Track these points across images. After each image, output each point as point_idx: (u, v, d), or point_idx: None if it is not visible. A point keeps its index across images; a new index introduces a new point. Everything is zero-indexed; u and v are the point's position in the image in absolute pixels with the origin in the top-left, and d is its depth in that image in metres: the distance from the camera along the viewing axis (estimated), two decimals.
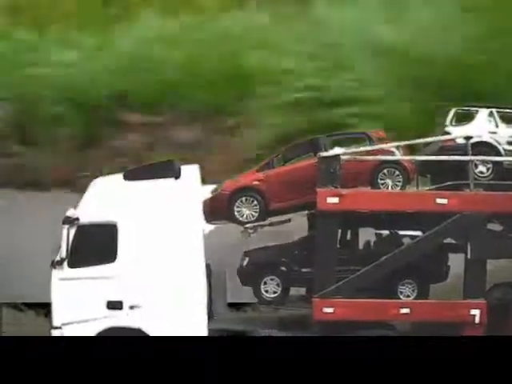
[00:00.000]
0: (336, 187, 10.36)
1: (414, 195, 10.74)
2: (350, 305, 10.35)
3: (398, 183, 11.01)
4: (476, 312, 10.48)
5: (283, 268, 10.97)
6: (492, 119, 11.79)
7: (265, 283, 10.97)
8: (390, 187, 10.95)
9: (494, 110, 11.87)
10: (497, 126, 11.72)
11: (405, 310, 10.41)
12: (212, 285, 11.72)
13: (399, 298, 10.95)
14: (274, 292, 10.97)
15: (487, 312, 10.52)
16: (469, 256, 10.54)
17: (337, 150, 10.52)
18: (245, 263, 11.11)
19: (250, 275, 11.03)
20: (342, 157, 10.51)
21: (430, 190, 11.10)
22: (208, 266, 11.76)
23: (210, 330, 10.54)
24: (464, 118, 11.85)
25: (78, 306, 10.25)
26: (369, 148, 10.94)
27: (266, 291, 10.97)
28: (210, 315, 11.32)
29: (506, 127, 11.74)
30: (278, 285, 10.98)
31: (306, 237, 11.19)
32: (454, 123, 11.76)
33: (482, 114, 11.84)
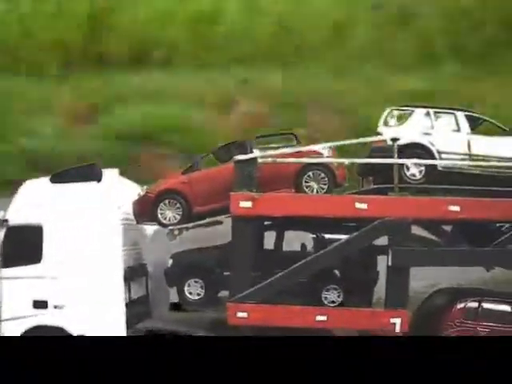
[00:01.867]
0: (252, 191, 10.26)
1: (331, 200, 10.40)
2: (264, 310, 10.22)
3: (323, 186, 10.79)
4: (397, 321, 10.19)
5: (207, 271, 11.03)
6: (428, 120, 11.35)
7: (189, 285, 11.07)
8: (315, 190, 10.79)
9: (430, 111, 11.41)
10: (432, 126, 11.28)
11: (321, 318, 10.21)
12: (150, 285, 12.08)
13: (323, 304, 10.86)
14: (198, 294, 11.06)
15: (409, 321, 10.26)
16: (389, 263, 10.24)
17: (254, 153, 10.42)
18: (169, 265, 11.23)
19: (175, 277, 11.14)
20: (261, 160, 10.41)
21: (352, 194, 10.78)
22: (144, 267, 12.07)
23: (145, 330, 10.85)
24: (400, 119, 11.45)
25: (9, 304, 10.73)
26: (290, 150, 10.73)
27: (190, 293, 11.07)
28: (149, 314, 11.67)
29: (443, 128, 11.32)
30: (202, 287, 11.05)
31: (230, 241, 11.16)
32: (388, 123, 11.37)
33: (418, 114, 11.39)
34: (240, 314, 10.21)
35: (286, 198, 10.37)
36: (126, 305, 10.91)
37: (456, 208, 10.31)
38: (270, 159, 10.39)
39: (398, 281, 10.22)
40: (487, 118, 11.74)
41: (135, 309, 11.32)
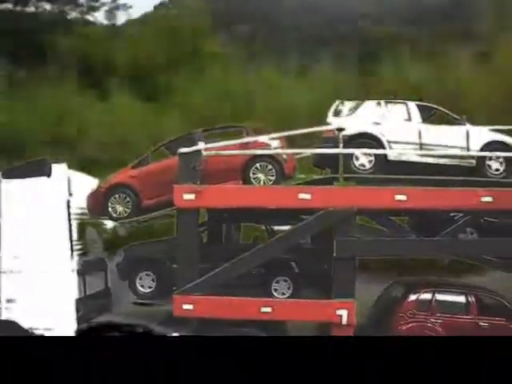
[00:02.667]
0: (196, 183, 10.27)
1: (274, 191, 10.36)
2: (208, 302, 10.22)
3: (271, 177, 10.76)
4: (343, 312, 10.10)
5: (158, 264, 11.08)
6: (379, 109, 11.24)
7: (140, 278, 11.14)
8: (262, 182, 10.77)
9: (382, 101, 11.31)
10: (382, 116, 11.16)
11: (266, 309, 10.16)
12: (110, 279, 12.16)
13: (273, 296, 10.84)
14: (150, 287, 11.12)
15: (355, 312, 10.16)
16: (335, 254, 10.17)
17: (198, 146, 10.43)
18: (121, 258, 11.31)
19: (126, 270, 11.21)
20: (205, 152, 10.42)
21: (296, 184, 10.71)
22: (102, 261, 12.16)
23: (99, 324, 10.92)
24: (350, 109, 11.33)
25: None
26: (237, 142, 10.73)
27: (142, 286, 11.13)
28: (108, 308, 11.76)
29: (394, 117, 11.20)
30: (153, 280, 11.11)
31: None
32: (338, 114, 11.27)
33: (368, 104, 11.29)
34: (185, 306, 10.21)
35: (228, 190, 10.36)
36: (81, 299, 11.07)
37: (402, 197, 10.20)
38: (213, 152, 10.41)
39: (344, 272, 10.14)
40: (439, 108, 11.61)
41: (92, 303, 11.42)
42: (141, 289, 11.11)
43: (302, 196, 10.06)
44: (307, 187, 10.28)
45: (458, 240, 10.52)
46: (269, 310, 10.17)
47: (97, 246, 11.98)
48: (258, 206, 10.23)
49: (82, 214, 11.46)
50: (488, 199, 10.40)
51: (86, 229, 11.77)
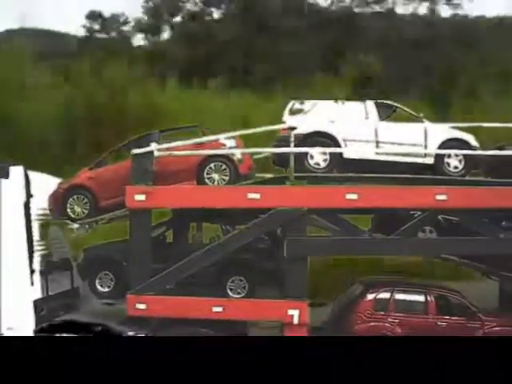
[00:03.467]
0: (148, 184, 10.32)
1: (224, 191, 10.35)
2: (161, 301, 10.25)
3: (225, 177, 10.76)
4: (294, 312, 10.06)
5: (116, 264, 11.19)
6: (335, 108, 11.16)
7: (100, 278, 11.27)
8: (216, 182, 10.79)
9: (339, 100, 11.24)
10: (338, 114, 11.08)
11: (217, 309, 10.17)
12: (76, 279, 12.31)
13: (228, 295, 10.87)
14: (108, 286, 11.25)
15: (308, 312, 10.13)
16: (285, 254, 10.14)
17: (150, 147, 10.47)
18: (81, 259, 11.45)
19: (86, 270, 11.36)
20: (158, 153, 10.46)
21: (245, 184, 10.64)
22: (67, 261, 12.31)
23: (60, 323, 11.07)
24: (306, 108, 11.25)
25: None
26: (192, 142, 10.74)
27: (101, 285, 11.27)
28: (74, 307, 11.92)
29: (350, 116, 11.11)
30: (111, 280, 11.24)
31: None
32: (293, 112, 11.20)
33: (325, 103, 11.21)
34: (139, 306, 10.28)
35: (179, 191, 10.38)
36: (44, 298, 11.24)
37: (353, 196, 10.11)
38: (166, 152, 10.45)
39: (295, 271, 10.10)
40: (399, 105, 11.52)
41: (56, 302, 11.59)
42: (100, 288, 11.27)
43: (251, 196, 10.03)
44: (256, 187, 10.25)
45: (410, 239, 10.39)
46: (220, 309, 10.17)
47: (61, 246, 12.18)
48: (207, 206, 10.25)
49: (44, 214, 11.69)
50: (442, 197, 10.27)
51: (49, 229, 11.98)
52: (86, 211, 11.14)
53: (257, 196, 10.08)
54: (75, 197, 11.16)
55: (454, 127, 11.52)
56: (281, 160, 11.36)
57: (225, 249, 10.27)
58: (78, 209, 11.17)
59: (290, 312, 10.06)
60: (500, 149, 11.88)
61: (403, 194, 10.30)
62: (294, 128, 10.45)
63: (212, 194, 10.31)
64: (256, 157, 11.88)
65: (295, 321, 10.05)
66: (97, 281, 11.23)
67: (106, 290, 11.23)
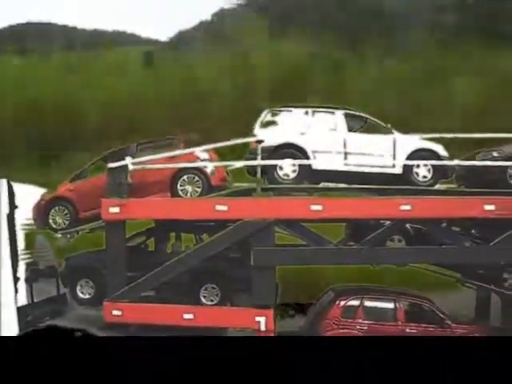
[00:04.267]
0: (122, 197, 10.77)
1: (193, 203, 10.74)
2: (135, 308, 10.71)
3: (197, 189, 11.17)
4: (261, 319, 10.41)
5: (96, 272, 11.66)
6: (305, 119, 11.43)
7: (80, 285, 11.78)
8: (189, 193, 11.19)
9: (309, 110, 11.50)
10: (308, 126, 11.36)
11: (188, 316, 10.58)
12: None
13: (202, 302, 11.26)
14: (89, 293, 11.75)
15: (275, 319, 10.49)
16: (252, 263, 10.49)
17: (124, 161, 10.90)
18: (63, 267, 11.97)
19: (68, 278, 11.87)
20: (132, 167, 10.88)
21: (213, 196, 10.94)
22: (53, 268, 12.85)
23: (44, 328, 11.60)
24: (277, 120, 11.54)
25: None
26: (166, 155, 11.15)
27: (82, 292, 11.77)
28: (60, 313, 12.45)
29: (320, 127, 11.39)
30: (92, 287, 11.73)
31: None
32: (265, 125, 11.49)
33: (295, 114, 11.49)
34: (115, 312, 10.77)
35: (151, 203, 10.82)
36: (29, 305, 11.79)
37: (318, 207, 10.43)
38: (140, 166, 10.89)
39: (262, 280, 10.45)
40: (368, 116, 11.71)
41: (42, 308, 12.14)
42: (81, 295, 11.79)
43: (218, 208, 10.43)
44: (224, 199, 10.62)
45: (375, 248, 10.65)
46: (191, 316, 10.58)
47: (47, 255, 12.70)
48: (177, 217, 10.68)
49: (29, 224, 12.24)
50: (407, 207, 10.52)
51: (34, 238, 12.51)
52: (67, 222, 11.69)
53: (224, 208, 10.47)
54: (56, 208, 11.72)
55: (426, 138, 11.72)
56: (253, 171, 11.73)
57: (194, 258, 10.67)
58: (59, 219, 11.72)
59: (257, 319, 10.43)
60: (471, 158, 12.08)
61: (367, 205, 10.59)
62: (261, 141, 10.79)
63: (181, 205, 10.72)
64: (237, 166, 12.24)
65: (262, 327, 10.41)
66: (78, 288, 11.75)
67: (87, 296, 11.74)
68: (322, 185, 11.16)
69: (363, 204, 10.56)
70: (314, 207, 10.40)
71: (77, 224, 11.63)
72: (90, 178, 11.77)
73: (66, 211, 11.66)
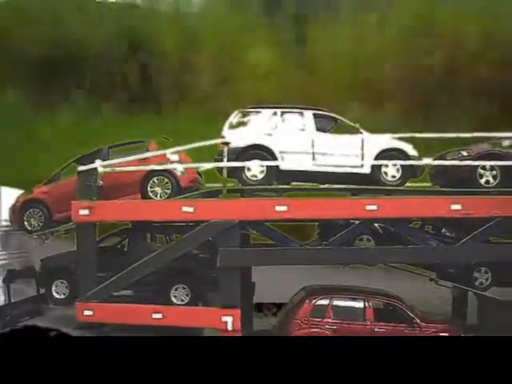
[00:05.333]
0: (92, 199, 10.93)
1: (160, 204, 10.89)
2: (105, 308, 10.87)
3: (167, 191, 11.32)
4: (228, 319, 10.55)
5: (70, 273, 11.85)
6: (274, 120, 11.50)
7: (56, 285, 11.99)
8: (159, 195, 11.34)
9: (278, 111, 11.56)
10: (276, 127, 11.43)
11: (157, 315, 10.74)
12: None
13: (172, 303, 11.41)
14: (64, 294, 11.95)
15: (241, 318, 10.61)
16: (218, 263, 10.61)
17: (95, 164, 11.06)
18: (39, 268, 12.18)
19: (43, 278, 12.09)
20: (102, 169, 11.04)
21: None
22: (32, 269, 13.09)
23: (22, 328, 11.83)
24: (245, 120, 11.63)
25: None
26: (136, 157, 11.29)
27: (57, 292, 11.98)
28: (39, 313, 12.69)
29: (288, 128, 11.45)
30: (66, 287, 11.93)
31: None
32: (233, 126, 11.59)
33: (263, 114, 11.57)
34: (86, 313, 10.96)
35: (119, 205, 10.94)
36: (7, 305, 12.05)
37: (283, 208, 10.52)
38: (109, 169, 11.04)
39: (228, 280, 10.58)
40: (338, 117, 11.76)
41: (21, 308, 12.38)
42: (56, 295, 11.99)
43: (185, 209, 10.57)
44: (190, 200, 10.75)
45: (340, 248, 10.72)
46: (160, 316, 10.75)
47: (26, 255, 12.94)
48: (145, 219, 10.85)
49: (7, 226, 12.48)
50: (373, 207, 10.58)
51: (11, 239, 12.74)
52: (42, 224, 11.90)
53: (191, 209, 10.61)
54: (31, 210, 11.90)
55: (397, 137, 11.73)
56: (227, 173, 11.84)
57: (161, 259, 10.82)
58: (33, 221, 11.91)
59: (224, 319, 10.56)
60: (442, 157, 12.08)
61: (333, 205, 10.65)
62: (227, 143, 10.91)
63: (149, 207, 10.87)
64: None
65: (229, 327, 10.55)
66: (53, 288, 11.97)
67: (62, 296, 11.94)
68: (292, 185, 11.27)
69: (329, 204, 10.61)
70: (279, 208, 10.49)
71: (51, 225, 11.86)
72: (63, 181, 11.94)
73: (41, 213, 11.85)
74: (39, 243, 12.14)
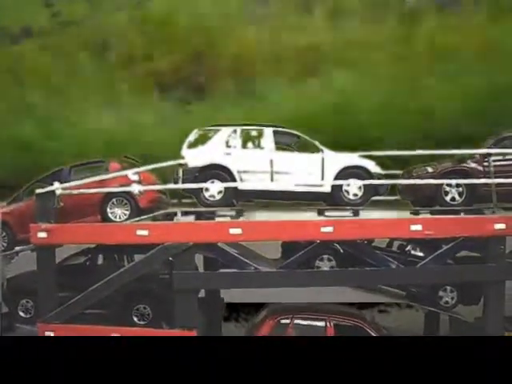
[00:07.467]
0: (50, 222, 10.94)
1: (114, 228, 10.86)
2: (67, 329, 10.88)
3: (126, 212, 11.31)
4: None
5: (35, 292, 11.88)
6: (232, 138, 11.35)
7: (22, 305, 12.12)
8: (118, 216, 11.32)
9: (238, 129, 11.41)
10: (235, 146, 11.27)
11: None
12: None
13: (134, 322, 11.44)
14: (30, 313, 12.07)
15: None
16: (174, 286, 10.56)
17: (53, 186, 11.05)
18: (5, 287, 12.30)
19: (9, 297, 12.17)
20: (59, 192, 11.02)
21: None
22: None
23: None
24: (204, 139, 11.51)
25: None
26: (93, 179, 11.24)
27: (23, 311, 12.11)
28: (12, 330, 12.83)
29: (247, 146, 11.30)
30: (32, 306, 12.05)
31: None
32: (192, 145, 11.47)
33: (222, 133, 11.42)
34: (47, 334, 11.02)
35: (75, 228, 10.93)
36: None
37: (237, 231, 10.41)
38: (67, 191, 11.04)
39: (184, 303, 10.53)
40: (299, 134, 11.55)
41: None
42: (22, 314, 12.13)
43: (139, 232, 10.52)
44: (144, 223, 10.72)
45: (294, 271, 10.57)
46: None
47: None
48: (101, 242, 10.85)
49: None
50: (328, 229, 10.40)
51: None
52: (6, 244, 12.01)
53: (145, 232, 10.56)
54: None
55: (362, 156, 11.48)
56: (183, 190, 11.77)
57: (120, 280, 10.80)
58: None
59: None
60: (408, 172, 11.82)
61: (287, 227, 10.49)
62: (182, 165, 10.84)
63: (104, 230, 10.85)
64: None
65: None
66: (19, 307, 12.11)
67: (28, 316, 12.07)
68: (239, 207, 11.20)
69: (283, 226, 10.47)
70: (233, 231, 10.38)
71: (16, 245, 11.97)
72: (25, 201, 12.03)
73: (4, 233, 11.98)
74: (5, 263, 12.27)
